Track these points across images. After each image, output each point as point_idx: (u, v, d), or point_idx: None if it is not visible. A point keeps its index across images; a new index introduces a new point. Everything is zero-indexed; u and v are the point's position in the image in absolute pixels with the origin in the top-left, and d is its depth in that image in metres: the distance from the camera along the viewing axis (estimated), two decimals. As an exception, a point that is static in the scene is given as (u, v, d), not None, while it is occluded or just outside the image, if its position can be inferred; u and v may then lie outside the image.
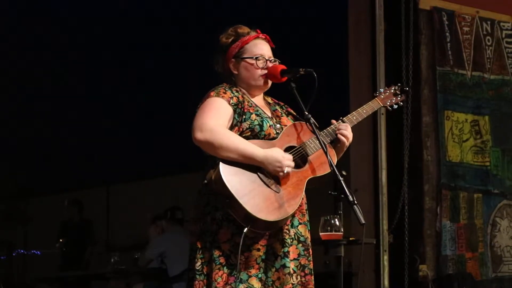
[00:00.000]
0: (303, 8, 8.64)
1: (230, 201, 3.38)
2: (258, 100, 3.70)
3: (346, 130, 3.63)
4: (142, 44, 9.66)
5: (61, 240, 9.56)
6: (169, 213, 8.10)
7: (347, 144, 3.64)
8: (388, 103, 3.84)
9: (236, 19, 3.89)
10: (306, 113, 3.51)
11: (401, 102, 3.89)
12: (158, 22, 9.53)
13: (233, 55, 3.66)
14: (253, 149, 3.44)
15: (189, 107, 3.68)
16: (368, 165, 6.36)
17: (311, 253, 3.60)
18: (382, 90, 3.88)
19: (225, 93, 3.56)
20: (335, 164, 3.50)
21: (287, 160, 3.44)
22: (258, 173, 3.44)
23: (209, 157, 3.49)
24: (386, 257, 6.02)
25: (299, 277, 3.55)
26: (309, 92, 3.53)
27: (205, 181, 3.49)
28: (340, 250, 3.34)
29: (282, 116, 3.69)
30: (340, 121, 3.66)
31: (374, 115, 6.08)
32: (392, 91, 3.87)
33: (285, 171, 3.43)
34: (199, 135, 3.44)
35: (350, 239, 3.39)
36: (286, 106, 3.77)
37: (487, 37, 6.79)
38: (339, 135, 3.61)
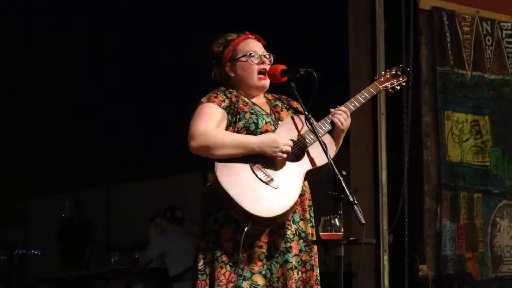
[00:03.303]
0: (303, 8, 8.64)
1: (229, 202, 3.38)
2: (258, 98, 3.70)
3: (340, 115, 3.59)
4: (142, 44, 9.67)
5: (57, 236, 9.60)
6: (169, 213, 8.09)
7: (342, 127, 3.60)
8: (389, 86, 3.78)
9: (236, 19, 3.90)
10: (306, 113, 3.51)
11: (403, 83, 3.83)
12: (159, 22, 9.54)
13: (227, 59, 3.68)
14: (247, 137, 3.47)
15: (189, 106, 3.70)
16: (368, 165, 6.36)
17: (315, 249, 3.60)
18: (382, 73, 3.83)
19: (216, 97, 3.58)
20: (334, 154, 3.50)
21: (284, 140, 3.44)
22: (255, 171, 3.44)
23: (210, 158, 3.49)
24: (386, 257, 6.01)
25: (300, 273, 3.55)
26: (309, 92, 3.52)
27: (208, 183, 3.50)
28: (340, 250, 3.33)
29: (282, 111, 3.68)
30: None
31: (374, 115, 6.08)
32: (393, 73, 3.81)
33: (284, 150, 3.42)
34: (193, 143, 3.47)
35: (350, 239, 3.37)
36: (288, 99, 3.77)
37: (487, 37, 6.79)
38: (333, 118, 3.57)
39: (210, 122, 3.51)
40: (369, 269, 6.22)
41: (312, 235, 3.60)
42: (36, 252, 10.18)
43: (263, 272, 3.48)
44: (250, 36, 3.72)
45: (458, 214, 6.46)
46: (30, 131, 10.62)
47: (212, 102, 3.56)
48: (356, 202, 3.28)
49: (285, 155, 3.45)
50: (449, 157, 6.49)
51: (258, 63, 3.64)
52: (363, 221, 3.25)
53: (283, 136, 3.51)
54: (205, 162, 3.51)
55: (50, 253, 9.97)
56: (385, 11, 6.20)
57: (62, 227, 9.85)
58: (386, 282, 6.01)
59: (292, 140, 3.54)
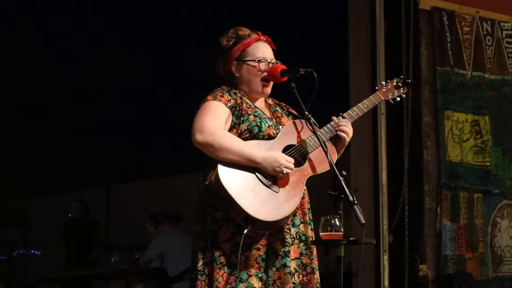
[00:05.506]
0: (303, 8, 8.64)
1: (230, 203, 3.38)
2: (258, 101, 3.70)
3: (346, 126, 3.61)
4: (142, 44, 9.67)
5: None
6: (160, 217, 8.14)
7: (347, 139, 3.63)
8: (390, 96, 3.79)
9: (236, 19, 3.89)
10: (306, 113, 3.51)
11: (403, 94, 3.84)
12: (158, 22, 9.54)
13: (235, 57, 3.65)
14: (253, 150, 3.45)
15: (189, 107, 3.69)
16: (368, 165, 6.36)
17: (314, 252, 3.61)
18: (383, 83, 3.84)
19: (222, 96, 3.56)
20: (335, 161, 3.50)
21: (286, 161, 3.44)
22: (257, 174, 3.45)
23: (211, 158, 3.49)
24: (386, 257, 6.01)
25: (301, 276, 3.55)
26: (309, 92, 3.52)
27: (206, 182, 3.49)
28: (340, 250, 3.33)
29: (283, 116, 3.68)
30: (340, 117, 3.65)
31: (374, 115, 6.08)
32: (394, 84, 3.82)
33: (285, 172, 3.43)
34: (199, 137, 3.44)
35: (350, 239, 3.37)
36: (287, 106, 3.77)
37: (487, 37, 6.79)
38: (338, 132, 3.60)
39: (217, 120, 3.49)
40: (369, 269, 6.22)
41: (312, 238, 3.60)
42: (36, 252, 10.17)
43: (259, 275, 3.48)
44: (262, 37, 3.69)
45: (458, 214, 6.47)
46: (30, 131, 10.62)
47: (219, 100, 3.54)
48: (356, 202, 3.28)
49: (285, 176, 3.45)
50: (449, 157, 6.49)
51: (265, 71, 3.63)
52: (363, 221, 3.25)
53: (283, 143, 3.50)
54: (205, 161, 3.51)
55: (50, 253, 9.97)
56: (385, 11, 6.20)
57: (68, 226, 9.82)
58: (386, 282, 6.01)
59: (293, 145, 3.54)
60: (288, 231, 3.52)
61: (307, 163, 3.52)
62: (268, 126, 3.56)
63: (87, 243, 9.66)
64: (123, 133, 10.44)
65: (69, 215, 9.78)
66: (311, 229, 3.61)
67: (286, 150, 3.53)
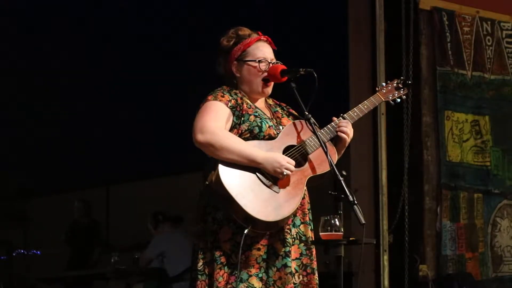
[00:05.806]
0: (303, 8, 8.65)
1: (230, 203, 3.38)
2: (259, 102, 3.70)
3: (346, 127, 3.61)
4: (142, 44, 9.67)
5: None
6: (161, 217, 8.13)
7: (348, 140, 3.63)
8: (391, 97, 3.79)
9: (236, 19, 3.89)
10: (306, 113, 3.51)
11: (404, 95, 3.85)
12: (158, 22, 9.55)
13: (235, 58, 3.65)
14: (253, 150, 3.45)
15: (189, 107, 3.69)
16: (368, 165, 6.36)
17: (314, 252, 3.61)
18: (384, 84, 3.84)
19: (223, 96, 3.56)
20: (335, 162, 3.50)
21: (287, 163, 3.44)
22: (258, 174, 3.45)
23: (211, 158, 3.49)
24: (386, 257, 6.01)
25: (301, 276, 3.55)
26: (309, 92, 3.52)
27: (207, 182, 3.49)
28: (340, 250, 3.33)
29: (283, 117, 3.68)
30: (340, 117, 3.65)
31: (374, 115, 6.08)
32: (395, 85, 3.82)
33: (285, 173, 3.43)
34: (200, 137, 3.44)
35: (350, 239, 3.38)
36: (287, 107, 3.77)
37: (487, 37, 6.79)
38: (339, 133, 3.60)
39: (218, 120, 3.50)
40: (369, 269, 6.22)
41: (312, 238, 3.60)
42: (36, 252, 10.16)
43: (260, 275, 3.49)
44: (262, 38, 3.69)
45: (458, 214, 6.47)
46: (30, 131, 10.62)
47: (220, 100, 3.54)
48: (356, 202, 3.28)
49: (285, 177, 3.45)
50: (449, 157, 6.49)
51: (265, 71, 3.63)
52: (363, 221, 3.25)
53: (284, 143, 3.51)
54: (206, 161, 3.51)
55: (50, 253, 9.95)
56: (385, 12, 6.20)
57: (71, 229, 9.82)
58: (386, 282, 6.01)
59: (293, 145, 3.54)
60: (289, 231, 3.52)
61: (307, 164, 3.52)
62: (269, 127, 3.56)
63: (88, 243, 9.66)
64: (123, 133, 10.44)
65: (74, 216, 9.78)
66: (311, 230, 3.62)
67: (287, 150, 3.53)
